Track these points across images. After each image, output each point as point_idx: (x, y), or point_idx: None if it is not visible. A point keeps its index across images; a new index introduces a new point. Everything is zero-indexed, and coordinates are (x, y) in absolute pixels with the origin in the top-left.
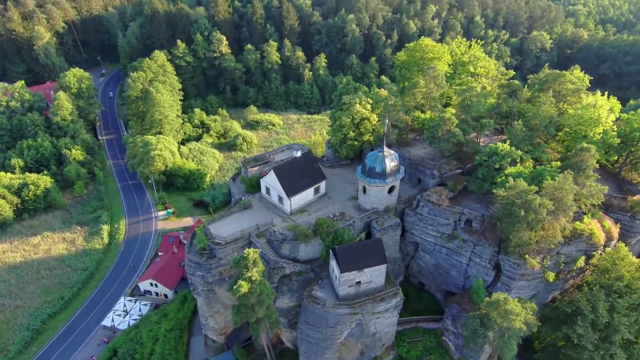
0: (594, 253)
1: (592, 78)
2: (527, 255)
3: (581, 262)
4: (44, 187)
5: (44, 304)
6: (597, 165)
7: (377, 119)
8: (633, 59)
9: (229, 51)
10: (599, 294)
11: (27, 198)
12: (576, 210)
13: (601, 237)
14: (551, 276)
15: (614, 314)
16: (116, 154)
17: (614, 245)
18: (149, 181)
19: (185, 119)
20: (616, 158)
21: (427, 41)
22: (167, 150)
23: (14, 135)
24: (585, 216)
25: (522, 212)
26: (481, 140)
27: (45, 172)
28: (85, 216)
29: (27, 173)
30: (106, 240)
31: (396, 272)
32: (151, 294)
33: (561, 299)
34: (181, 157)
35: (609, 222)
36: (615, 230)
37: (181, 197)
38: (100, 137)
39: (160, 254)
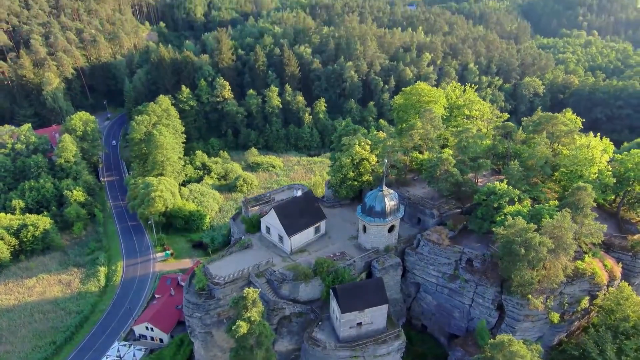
0: (597, 293)
1: (584, 120)
2: (530, 295)
3: (585, 302)
4: (43, 228)
5: (34, 348)
6: (595, 205)
7: (376, 160)
8: (624, 103)
9: (232, 96)
10: (605, 335)
11: (25, 239)
12: (577, 249)
13: (604, 276)
14: (556, 317)
15: (622, 356)
16: (117, 196)
17: (618, 285)
18: (149, 222)
19: (187, 161)
20: (613, 197)
21: (423, 85)
22: (167, 191)
23: (17, 177)
24: (586, 255)
25: (523, 251)
26: (479, 180)
27: (45, 213)
28: (82, 258)
29: (27, 214)
30: (103, 282)
31: (398, 314)
32: (146, 339)
33: (567, 341)
34: (182, 198)
35: (610, 262)
36: (618, 270)
37: (180, 239)
38: (102, 179)
39: (157, 296)
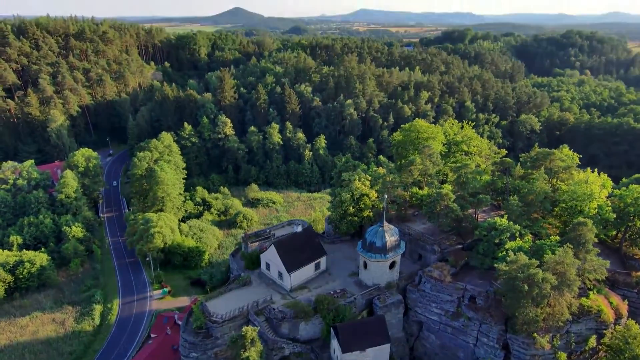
0: (604, 332)
1: (580, 156)
2: (535, 334)
3: (593, 341)
4: (39, 264)
5: None
6: (597, 240)
7: (376, 195)
8: (620, 139)
9: (233, 132)
10: None
11: (21, 276)
12: (581, 285)
13: (610, 314)
14: (563, 357)
15: None
16: (116, 232)
17: (625, 323)
18: (147, 259)
19: (187, 197)
20: (615, 233)
21: (421, 122)
22: (167, 227)
23: (16, 213)
24: (591, 292)
25: (526, 287)
26: (479, 216)
27: (42, 249)
28: (78, 295)
29: (24, 250)
30: (97, 321)
31: (400, 354)
32: None
33: None
34: (181, 234)
35: (616, 299)
36: (624, 307)
37: (178, 276)
38: (102, 215)
39: (152, 335)
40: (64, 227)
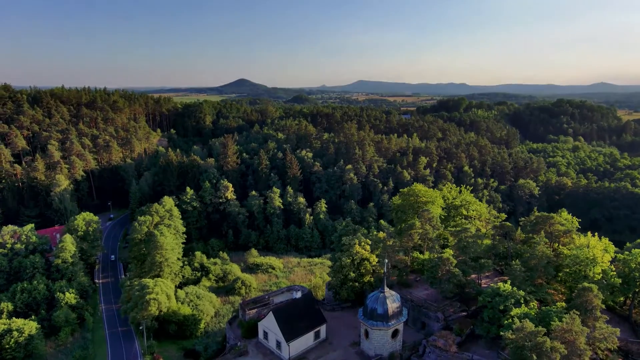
0: None
1: (580, 220)
2: None
3: None
4: (27, 333)
5: None
6: (603, 306)
7: (376, 260)
8: (619, 204)
9: (234, 197)
10: None
11: (7, 346)
12: (593, 355)
13: None
14: None
15: None
16: (110, 298)
17: None
18: (140, 328)
19: (186, 262)
20: (623, 300)
21: (419, 187)
22: (163, 294)
23: (11, 278)
24: None
25: (535, 357)
26: (482, 281)
27: (33, 317)
28: None
29: (14, 318)
30: None
31: None
32: None
33: None
34: (177, 301)
35: None
36: None
37: (172, 346)
38: (97, 280)
39: None
40: (58, 293)
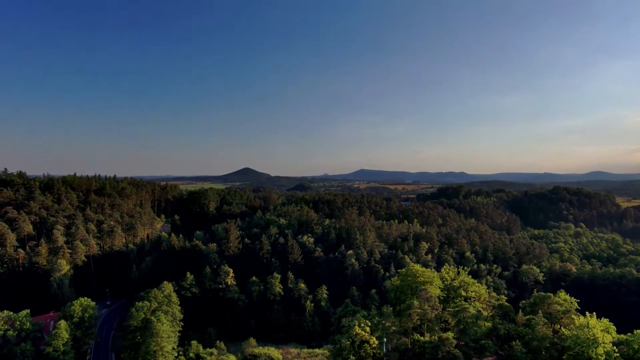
0: None
1: (578, 300)
2: None
3: None
4: None
5: None
6: None
7: (377, 342)
8: (627, 290)
9: (234, 283)
10: None
11: None
12: None
13: None
14: None
15: None
16: None
17: None
18: None
19: (181, 352)
20: None
21: (417, 267)
22: None
23: None
24: None
25: None
26: None
27: None
28: None
29: None
30: None
31: None
32: None
33: None
34: None
35: None
36: None
37: None
38: None
39: None
40: None
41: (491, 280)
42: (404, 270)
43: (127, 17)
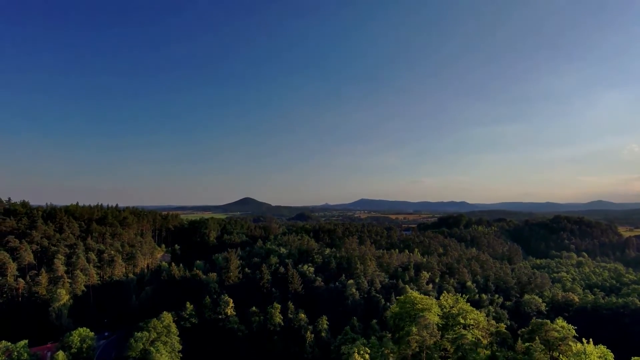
0: None
1: (575, 327)
2: None
3: None
4: None
5: None
6: None
7: None
8: (630, 320)
9: (234, 313)
10: None
11: None
12: None
13: None
14: None
15: None
16: None
17: None
18: None
19: None
20: None
21: (415, 294)
22: None
23: None
24: None
25: None
26: None
27: None
28: None
29: None
30: None
31: None
32: None
33: None
34: None
35: None
36: None
37: None
38: None
39: None
40: None
41: (493, 310)
42: (402, 297)
43: (117, 38)
